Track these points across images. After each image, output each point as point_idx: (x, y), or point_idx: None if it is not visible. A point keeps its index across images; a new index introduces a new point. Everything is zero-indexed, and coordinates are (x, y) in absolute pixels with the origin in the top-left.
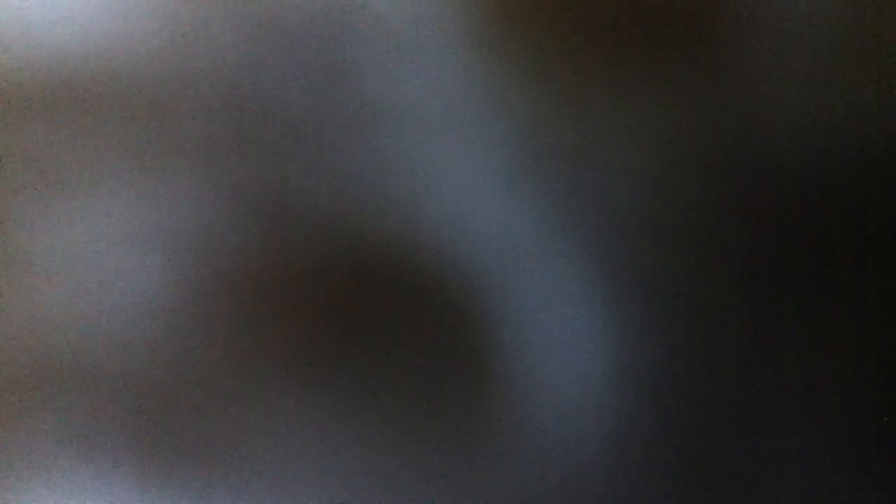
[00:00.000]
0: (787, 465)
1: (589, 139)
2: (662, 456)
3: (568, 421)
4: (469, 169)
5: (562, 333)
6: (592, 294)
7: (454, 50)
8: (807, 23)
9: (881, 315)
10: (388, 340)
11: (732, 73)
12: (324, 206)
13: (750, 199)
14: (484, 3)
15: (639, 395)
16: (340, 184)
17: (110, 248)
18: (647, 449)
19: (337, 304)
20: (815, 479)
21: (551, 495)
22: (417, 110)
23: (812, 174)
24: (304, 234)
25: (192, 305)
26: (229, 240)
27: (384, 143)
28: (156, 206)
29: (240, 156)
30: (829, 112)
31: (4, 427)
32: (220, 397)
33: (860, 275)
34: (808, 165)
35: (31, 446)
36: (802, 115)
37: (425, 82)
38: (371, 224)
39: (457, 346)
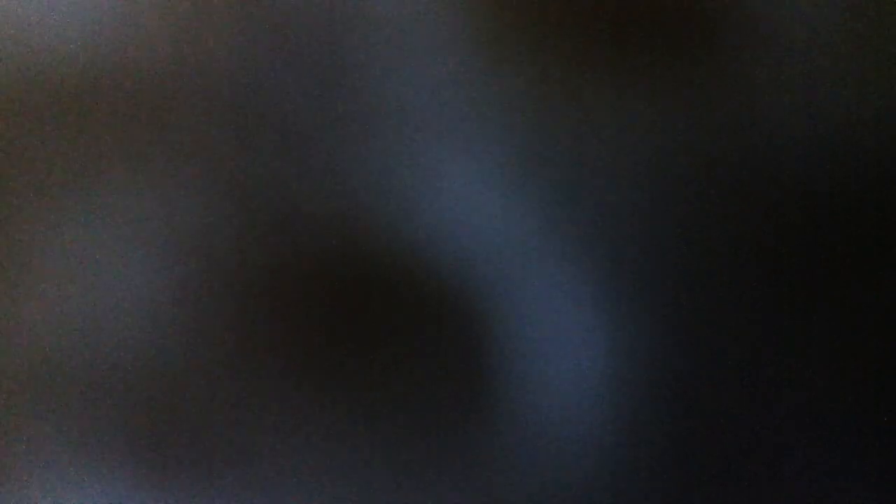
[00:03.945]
0: (787, 465)
1: (589, 139)
2: (662, 455)
3: (567, 420)
4: (469, 169)
5: (561, 333)
6: (592, 294)
7: (454, 50)
8: (807, 23)
9: (881, 315)
10: (387, 340)
11: (732, 73)
12: (324, 206)
13: (750, 199)
14: (484, 4)
15: (638, 395)
16: (340, 184)
17: (110, 248)
18: (647, 448)
19: (337, 304)
20: (815, 479)
21: (551, 495)
22: (417, 110)
23: (812, 174)
24: (304, 234)
25: (193, 305)
26: (229, 240)
27: (384, 143)
28: (156, 206)
29: (240, 156)
30: (830, 112)
31: (4, 427)
32: (220, 397)
33: (860, 275)
34: (808, 165)
35: (31, 446)
36: (802, 115)
37: (425, 82)
38: (371, 224)
39: (457, 345)
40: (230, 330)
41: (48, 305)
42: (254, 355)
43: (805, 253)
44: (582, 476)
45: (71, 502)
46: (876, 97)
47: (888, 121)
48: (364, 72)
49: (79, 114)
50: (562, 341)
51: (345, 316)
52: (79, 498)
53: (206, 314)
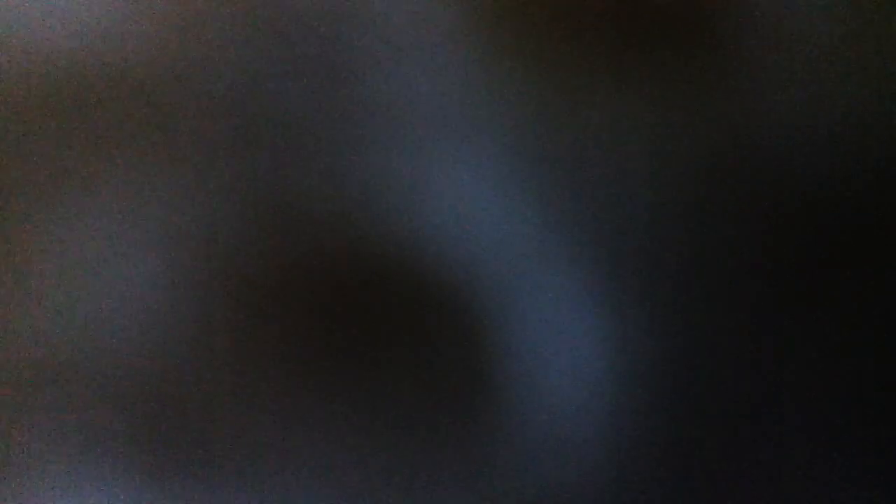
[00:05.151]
0: (787, 466)
1: (589, 140)
2: (662, 456)
3: (567, 421)
4: (469, 169)
5: (561, 334)
6: (592, 294)
7: (454, 50)
8: (807, 23)
9: (882, 315)
10: (387, 340)
11: (733, 74)
12: (324, 206)
13: (750, 199)
14: (484, 4)
15: (638, 396)
16: (340, 184)
17: (110, 248)
18: (647, 449)
19: (337, 304)
20: (815, 480)
21: (550, 496)
22: (417, 110)
23: (813, 175)
24: (304, 234)
25: (193, 305)
26: (229, 240)
27: (384, 143)
28: (156, 206)
29: (240, 156)
30: (830, 112)
31: (4, 427)
32: (221, 397)
33: (861, 276)
34: (808, 166)
35: (31, 446)
36: (803, 116)
37: (425, 82)
38: (371, 224)
39: (456, 346)
40: (231, 329)
41: (48, 305)
42: (254, 355)
43: (808, 252)
44: (583, 476)
45: (71, 502)
46: (878, 96)
47: (890, 121)
48: (364, 72)
49: (78, 114)
50: (563, 341)
51: (345, 316)
52: (79, 497)
53: (207, 314)
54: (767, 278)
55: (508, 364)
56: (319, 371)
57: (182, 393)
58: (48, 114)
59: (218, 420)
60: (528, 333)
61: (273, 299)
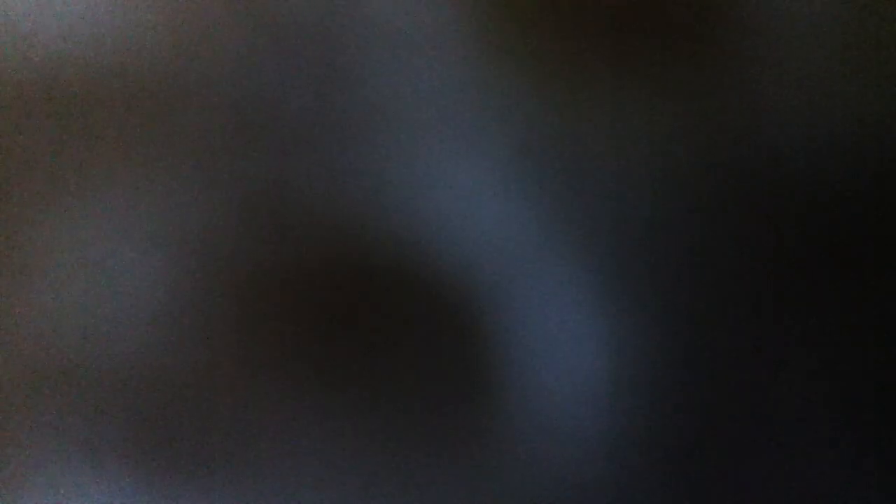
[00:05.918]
0: (786, 468)
1: (590, 140)
2: (662, 458)
3: (567, 422)
4: (469, 170)
5: (561, 334)
6: (592, 295)
7: (455, 51)
8: (808, 25)
9: (883, 317)
10: (387, 341)
11: (734, 75)
12: (324, 206)
13: (751, 201)
14: (485, 5)
15: (638, 397)
16: (340, 184)
17: (110, 248)
18: (647, 451)
19: (337, 304)
20: (814, 481)
21: (551, 496)
22: (417, 111)
23: (814, 177)
24: (304, 234)
25: (193, 305)
26: (229, 240)
27: (384, 143)
28: (156, 206)
29: (240, 156)
30: (831, 115)
31: (4, 427)
32: (221, 397)
33: (861, 277)
34: (809, 168)
35: (31, 446)
36: (804, 118)
37: (426, 83)
38: (371, 224)
39: (456, 346)
40: (231, 329)
41: (49, 305)
42: (254, 355)
43: (809, 253)
44: (583, 476)
45: (71, 502)
46: (879, 96)
47: (890, 121)
48: (364, 73)
49: (79, 114)
50: (562, 341)
51: (344, 315)
52: (79, 498)
53: (207, 313)
54: (770, 278)
55: (508, 364)
56: (319, 371)
57: (182, 393)
58: (48, 114)
59: (218, 420)
60: (527, 333)
61: (273, 299)
